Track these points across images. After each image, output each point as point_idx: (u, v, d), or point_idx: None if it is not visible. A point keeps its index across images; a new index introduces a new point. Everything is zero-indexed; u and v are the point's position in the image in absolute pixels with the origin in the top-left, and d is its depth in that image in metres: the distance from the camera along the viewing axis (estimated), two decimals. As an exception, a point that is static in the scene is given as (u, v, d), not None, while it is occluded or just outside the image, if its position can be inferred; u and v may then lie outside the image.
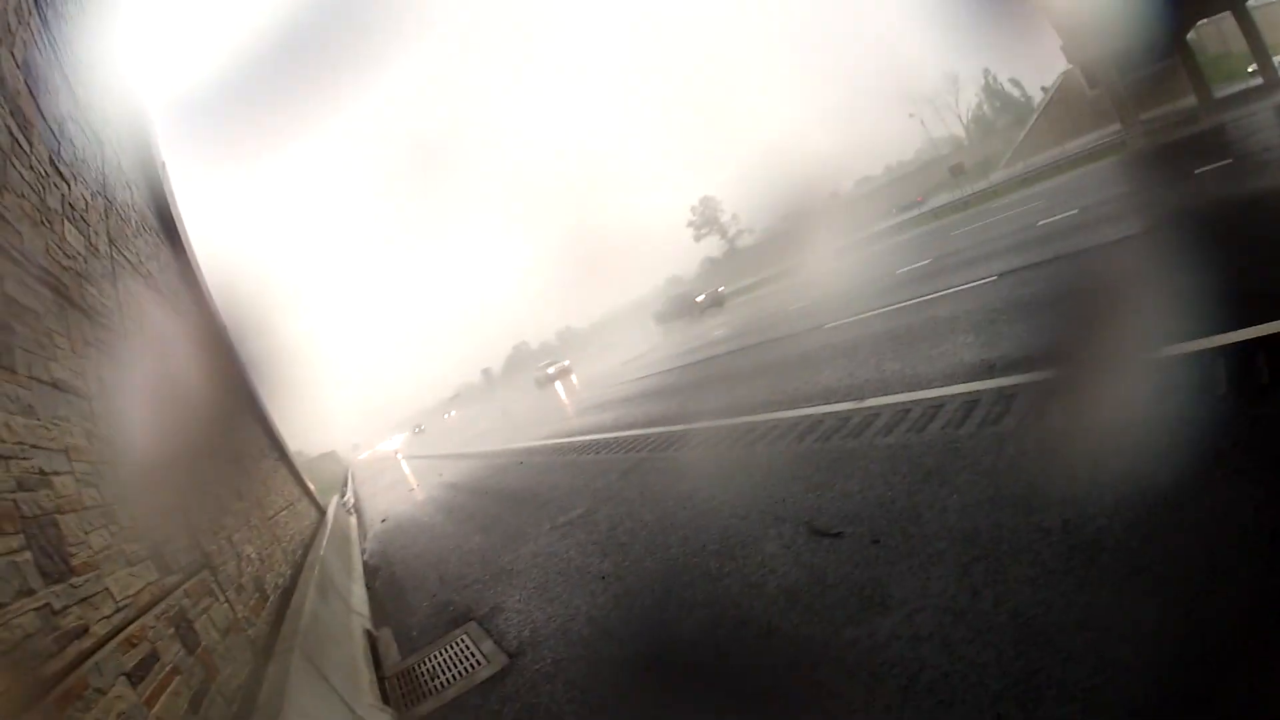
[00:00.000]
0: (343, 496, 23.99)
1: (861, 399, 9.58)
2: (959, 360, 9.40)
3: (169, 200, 11.56)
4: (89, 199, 6.71)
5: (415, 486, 27.76)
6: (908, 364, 10.49)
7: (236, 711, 5.12)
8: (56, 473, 4.21)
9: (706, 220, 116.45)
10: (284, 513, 12.56)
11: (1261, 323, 6.07)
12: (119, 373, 6.36)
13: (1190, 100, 38.85)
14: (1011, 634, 3.83)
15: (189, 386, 9.81)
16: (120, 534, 4.80)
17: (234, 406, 13.59)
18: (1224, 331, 6.23)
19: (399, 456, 47.31)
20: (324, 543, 11.15)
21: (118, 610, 4.19)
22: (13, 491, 3.59)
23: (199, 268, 14.41)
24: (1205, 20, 44.57)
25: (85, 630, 3.70)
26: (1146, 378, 6.16)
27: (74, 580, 3.82)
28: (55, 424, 4.55)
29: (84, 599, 3.84)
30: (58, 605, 3.53)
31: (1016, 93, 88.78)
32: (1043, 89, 69.64)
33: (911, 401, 8.49)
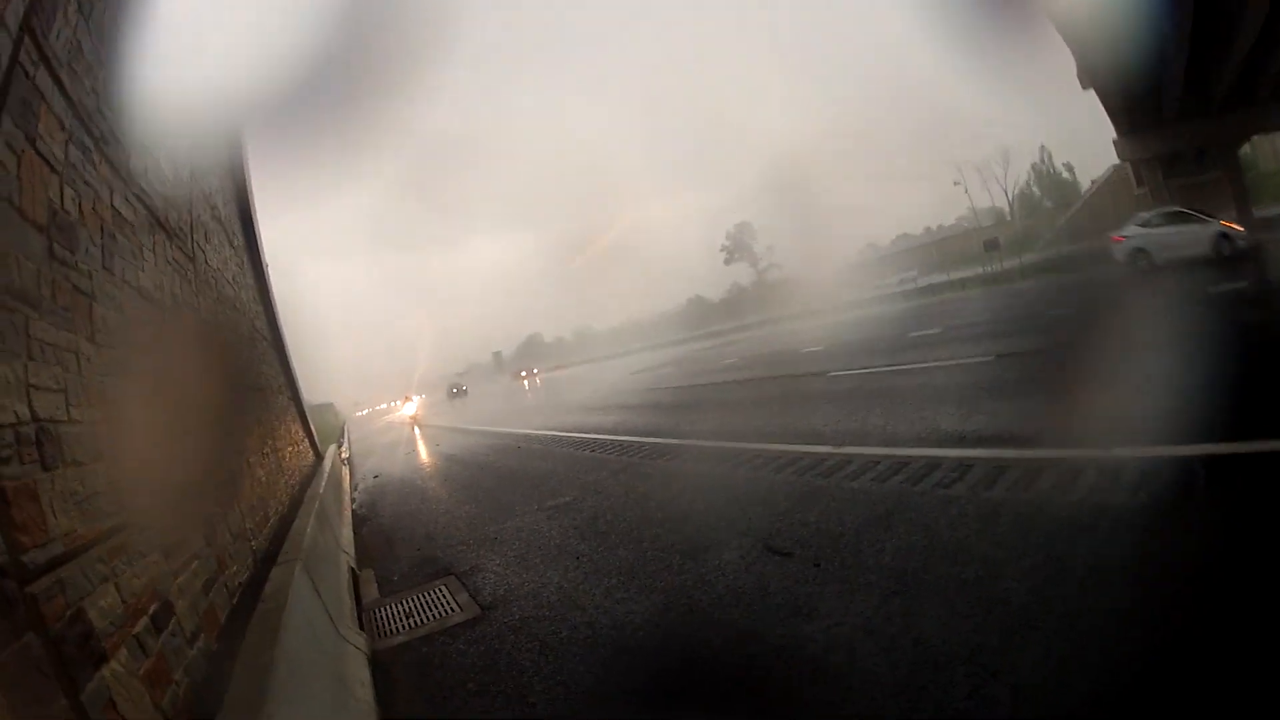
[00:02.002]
0: (339, 447, 24.32)
1: (840, 445, 10.33)
2: (934, 427, 10.11)
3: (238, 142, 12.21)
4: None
5: (412, 452, 27.74)
6: (889, 422, 11.24)
7: (238, 602, 5.81)
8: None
9: (739, 246, 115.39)
10: (289, 449, 13.18)
11: (1206, 442, 6.69)
12: (185, 289, 7.14)
13: (1230, 215, 39.00)
14: (910, 655, 4.60)
15: (235, 310, 10.56)
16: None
17: (264, 337, 14.21)
18: (1174, 444, 6.86)
19: (414, 427, 41.97)
20: (322, 483, 11.71)
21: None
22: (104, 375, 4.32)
23: (254, 205, 15.17)
24: (1262, 136, 44.70)
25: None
26: (1090, 472, 6.82)
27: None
28: (139, 324, 5.33)
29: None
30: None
31: (1067, 176, 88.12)
32: (1091, 181, 69.10)
33: (882, 455, 9.28)
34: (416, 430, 36.10)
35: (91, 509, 3.66)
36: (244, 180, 14.32)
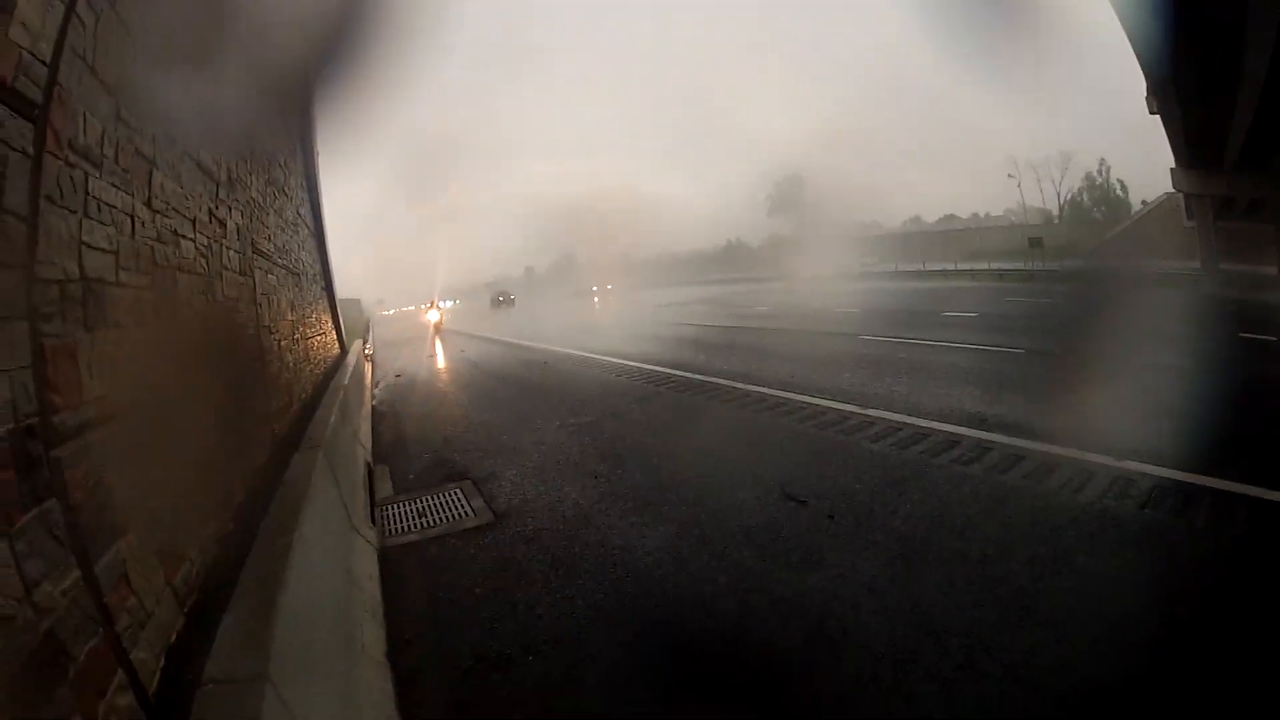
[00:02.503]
0: (364, 343, 24.34)
1: (865, 406, 10.43)
2: (959, 406, 10.16)
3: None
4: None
5: (435, 356, 27.66)
6: (915, 393, 11.27)
7: (258, 484, 5.87)
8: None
9: (786, 197, 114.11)
10: (317, 339, 13.25)
11: (1214, 476, 6.78)
12: (239, 167, 7.19)
13: (1271, 269, 38.60)
14: (907, 617, 4.73)
15: (283, 194, 10.58)
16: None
17: (306, 223, 14.23)
18: (1177, 469, 6.99)
19: (436, 336, 38.85)
20: (347, 376, 11.76)
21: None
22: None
23: (314, 88, 15.16)
24: None
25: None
26: (1101, 479, 6.93)
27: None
28: (194, 196, 5.39)
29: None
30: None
31: (1120, 193, 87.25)
32: (1143, 201, 68.40)
33: (905, 423, 9.38)
34: (438, 342, 34.29)
35: (126, 375, 3.67)
36: (311, 62, 14.28)
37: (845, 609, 4.93)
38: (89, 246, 3.35)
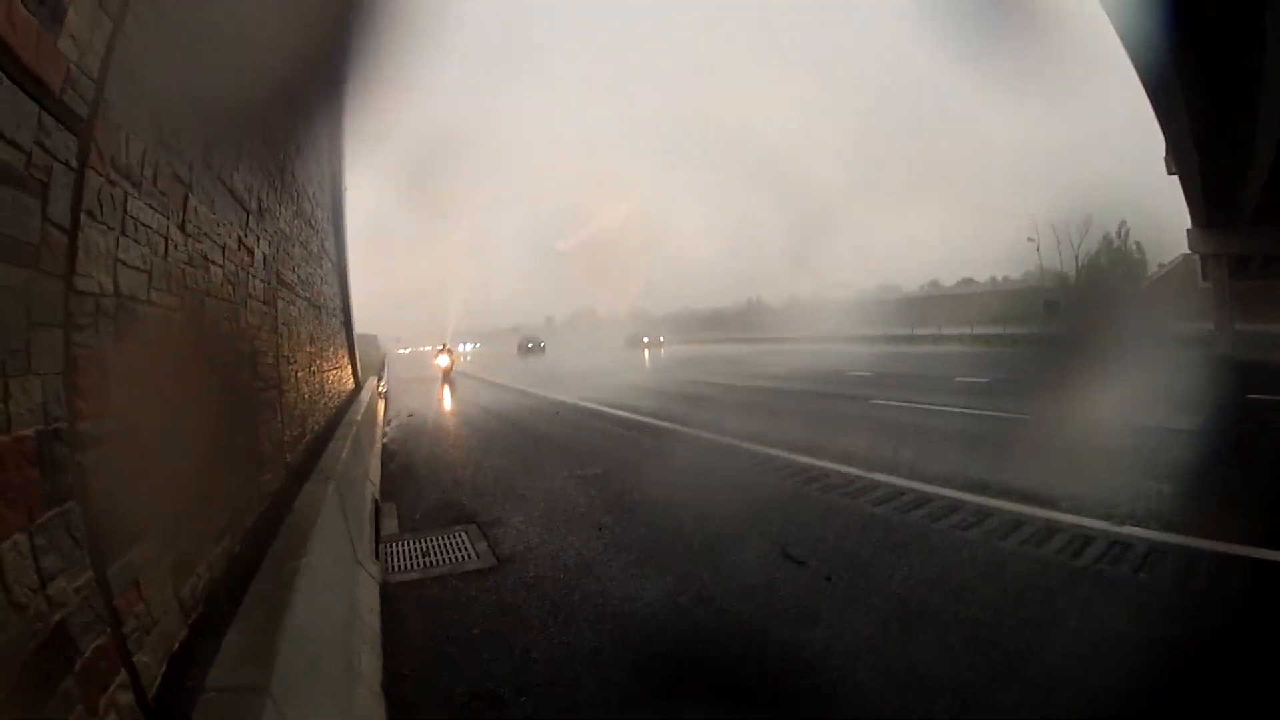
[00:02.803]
0: (378, 380, 24.52)
1: (870, 470, 10.49)
2: (962, 472, 10.19)
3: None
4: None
5: (448, 399, 27.75)
6: (920, 458, 11.33)
7: (268, 510, 5.98)
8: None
9: (806, 261, 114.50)
10: (333, 372, 13.40)
11: (1215, 539, 6.85)
12: (269, 196, 7.33)
13: None
14: (900, 675, 4.78)
15: (310, 225, 10.74)
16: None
17: (329, 257, 14.40)
18: (1175, 533, 7.12)
19: (444, 385, 36.45)
20: (360, 412, 11.88)
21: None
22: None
23: (345, 122, 15.38)
24: None
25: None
26: (1099, 543, 6.99)
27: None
28: (226, 223, 5.53)
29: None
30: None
31: (1137, 255, 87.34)
32: (1160, 264, 68.50)
33: (909, 487, 9.44)
34: (448, 389, 33.38)
35: (150, 391, 3.78)
36: (341, 96, 14.48)
37: (839, 664, 4.98)
38: (124, 264, 3.46)
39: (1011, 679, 4.66)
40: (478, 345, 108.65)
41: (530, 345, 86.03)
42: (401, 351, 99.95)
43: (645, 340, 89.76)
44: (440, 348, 48.16)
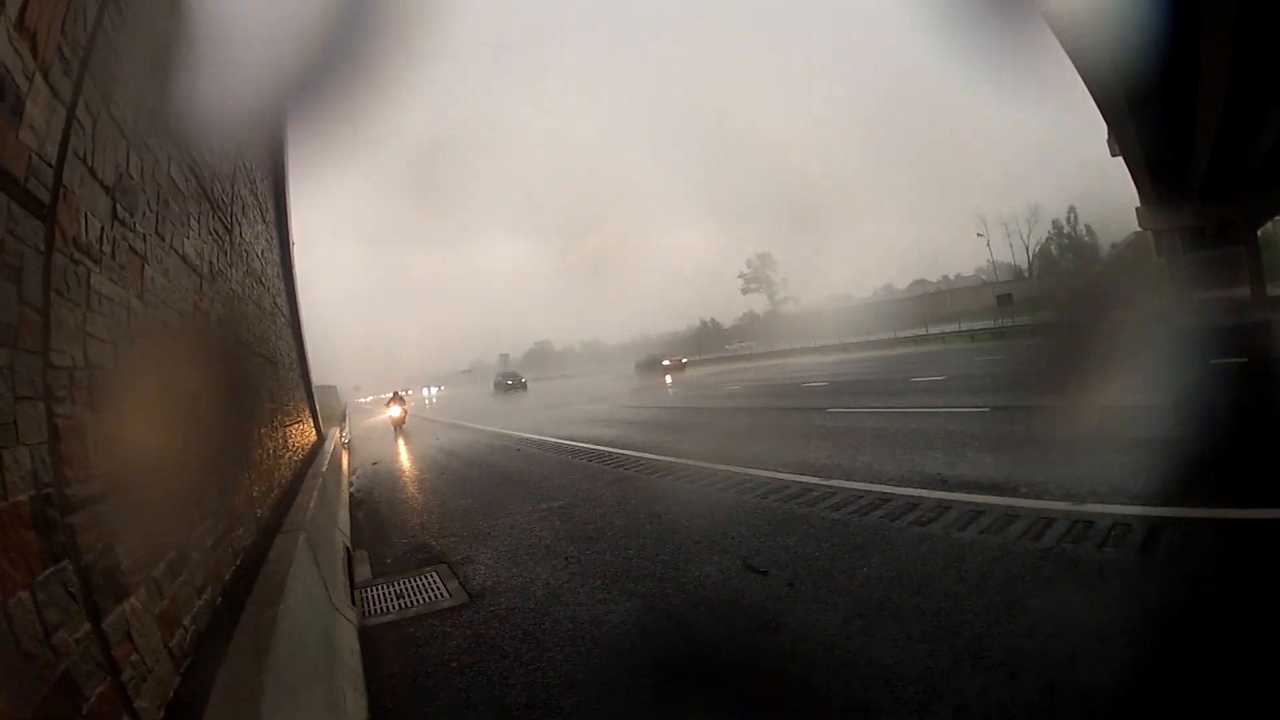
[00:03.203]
0: (340, 431, 24.51)
1: (828, 478, 10.72)
2: (919, 469, 10.46)
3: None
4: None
5: (411, 444, 27.70)
6: (877, 460, 11.60)
7: (241, 563, 6.13)
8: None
9: (758, 276, 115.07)
10: (295, 426, 13.46)
11: (1169, 505, 7.17)
12: (220, 259, 7.49)
13: (1244, 291, 39.12)
14: (863, 672, 4.94)
15: (260, 283, 10.88)
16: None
17: (283, 312, 14.50)
18: (1139, 504, 7.33)
19: (397, 436, 33.63)
20: (325, 463, 11.98)
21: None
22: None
23: (288, 182, 15.54)
24: None
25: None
26: (1060, 524, 7.17)
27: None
28: (181, 289, 5.70)
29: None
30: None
31: (1088, 239, 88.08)
32: (1112, 245, 69.01)
33: (866, 490, 9.66)
34: (402, 442, 30.23)
35: (126, 455, 3.94)
36: (282, 157, 14.67)
37: (802, 668, 5.14)
38: (91, 336, 3.62)
39: (976, 664, 4.79)
40: (442, 388, 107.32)
41: (510, 383, 78.01)
42: (362, 401, 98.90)
43: (667, 364, 76.62)
44: (390, 396, 41.44)
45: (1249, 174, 33.59)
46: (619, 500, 11.73)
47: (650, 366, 72.74)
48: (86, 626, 3.05)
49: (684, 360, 78.58)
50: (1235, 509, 6.73)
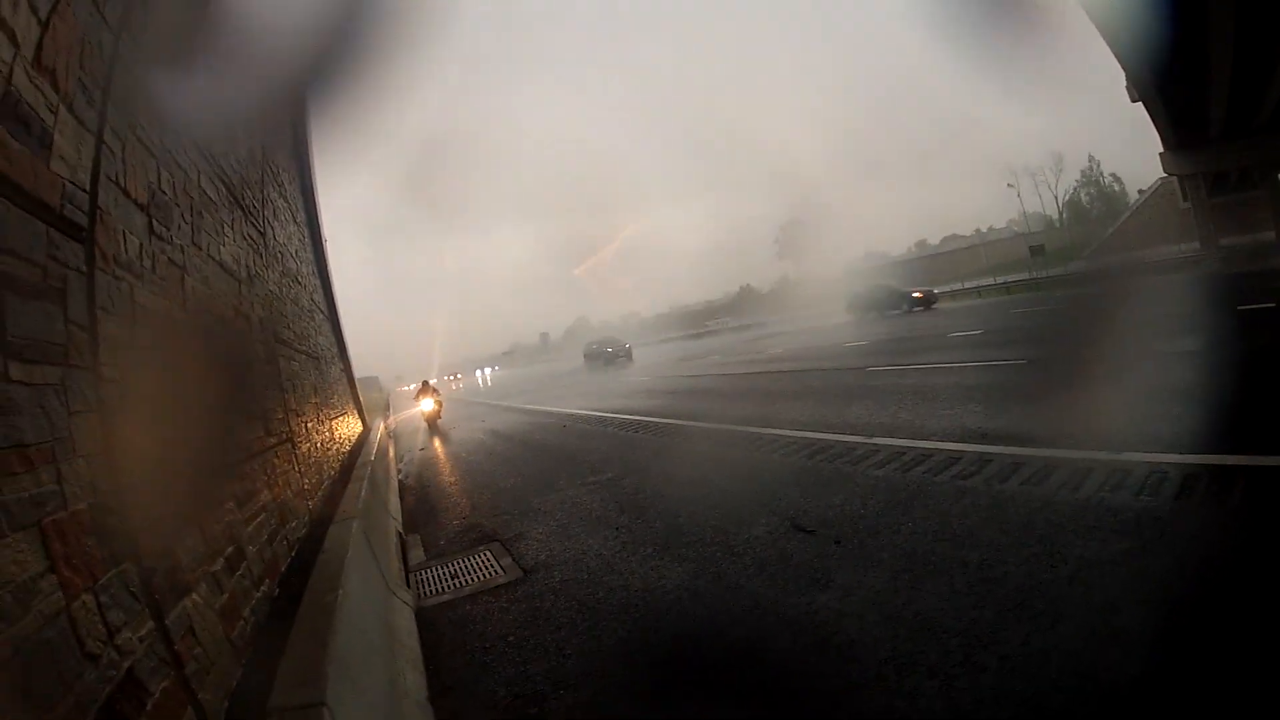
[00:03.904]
0: (385, 419, 24.62)
1: (870, 436, 10.78)
2: (960, 424, 10.49)
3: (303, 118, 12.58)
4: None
5: (456, 429, 27.84)
6: (918, 416, 11.63)
7: (295, 555, 6.25)
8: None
9: (790, 241, 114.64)
10: (340, 418, 13.61)
11: (1204, 453, 7.15)
12: (256, 262, 7.61)
13: (1270, 235, 38.70)
14: (910, 624, 5.03)
15: (297, 282, 11.00)
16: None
17: (320, 309, 14.64)
18: (1175, 452, 7.30)
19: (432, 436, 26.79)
20: (372, 452, 12.11)
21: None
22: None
23: (315, 180, 15.67)
24: None
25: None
26: (1099, 473, 7.20)
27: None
28: (221, 295, 5.82)
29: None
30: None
31: (1115, 187, 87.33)
32: (1140, 191, 68.44)
33: (908, 447, 9.71)
34: (438, 441, 24.75)
35: (177, 458, 4.05)
36: (307, 157, 14.79)
37: (851, 622, 5.23)
38: (139, 348, 3.72)
39: (1019, 614, 4.85)
40: (496, 368, 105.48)
41: (611, 351, 60.69)
42: (404, 389, 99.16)
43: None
44: (419, 387, 33.26)
45: (1267, 118, 33.14)
46: (665, 471, 11.84)
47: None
48: (150, 624, 3.17)
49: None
50: (1268, 456, 6.70)
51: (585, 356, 62.39)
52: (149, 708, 2.93)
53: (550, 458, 15.58)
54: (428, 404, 30.88)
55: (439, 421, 29.90)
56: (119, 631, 2.90)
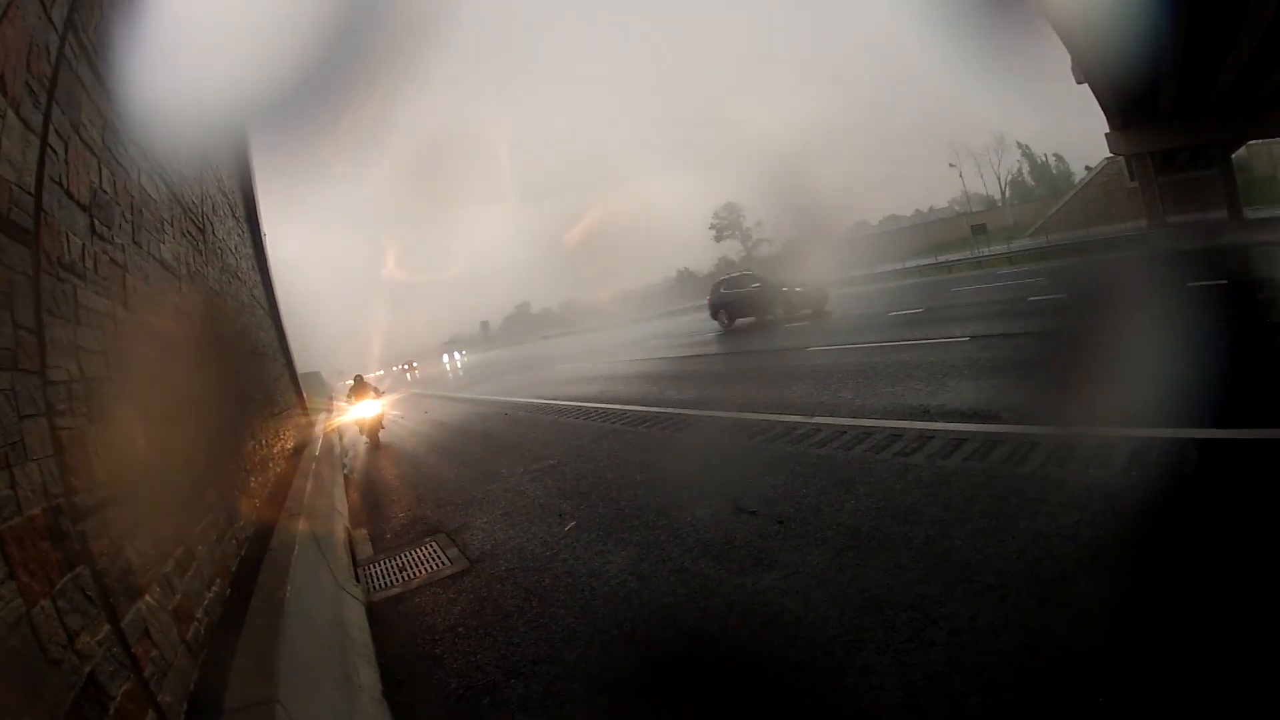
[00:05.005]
0: (329, 415, 24.44)
1: (811, 415, 10.88)
2: (903, 401, 10.61)
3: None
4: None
5: (402, 418, 28.01)
6: (860, 395, 11.76)
7: (245, 554, 6.27)
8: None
9: (729, 224, 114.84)
10: (284, 414, 13.56)
11: (1151, 427, 7.19)
12: (196, 259, 7.59)
13: (1221, 214, 39.14)
14: (856, 600, 5.11)
15: (237, 278, 10.95)
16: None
17: (261, 304, 14.56)
18: (1122, 427, 7.33)
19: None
20: (317, 447, 12.11)
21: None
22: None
23: (255, 175, 15.58)
24: (1259, 141, 44.68)
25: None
26: (1045, 447, 7.34)
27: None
28: (162, 293, 5.82)
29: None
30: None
31: (1058, 167, 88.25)
32: (1087, 168, 68.98)
33: (849, 425, 9.81)
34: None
35: (128, 459, 4.09)
36: (246, 153, 14.68)
37: (797, 601, 5.29)
38: (84, 350, 3.75)
39: (967, 589, 4.92)
40: (464, 354, 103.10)
41: (757, 285, 38.62)
42: (348, 383, 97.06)
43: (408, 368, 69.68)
44: (354, 384, 23.48)
45: (1220, 99, 33.45)
46: (608, 454, 11.92)
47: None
48: (107, 628, 3.20)
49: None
50: (1216, 429, 6.83)
51: (718, 307, 40.33)
52: (111, 712, 2.96)
53: (493, 447, 15.64)
54: (368, 409, 21.56)
55: (381, 435, 21.57)
56: (78, 635, 2.93)
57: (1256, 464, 6.10)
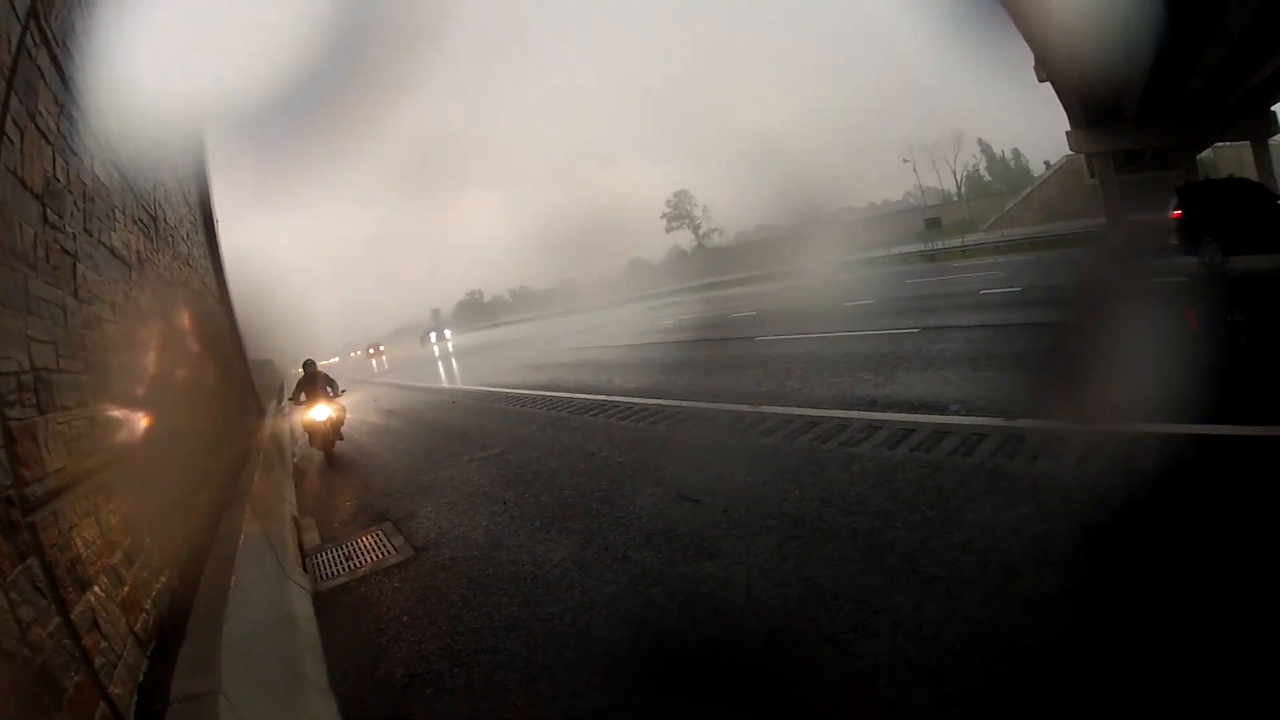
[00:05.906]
0: (279, 403, 24.24)
1: (758, 405, 10.95)
2: (850, 391, 10.73)
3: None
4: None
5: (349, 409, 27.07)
6: (808, 385, 11.91)
7: (197, 542, 6.25)
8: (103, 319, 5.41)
9: (679, 214, 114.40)
10: (234, 402, 13.45)
11: (1103, 421, 7.23)
12: (147, 246, 7.56)
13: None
14: (799, 591, 5.17)
15: (188, 265, 10.91)
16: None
17: (212, 291, 14.48)
18: (1071, 421, 7.38)
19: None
20: (265, 437, 12.07)
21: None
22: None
23: (208, 162, 15.49)
24: (1224, 144, 44.85)
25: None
26: (993, 439, 7.42)
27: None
28: (112, 281, 5.81)
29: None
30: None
31: (1016, 163, 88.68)
32: (1046, 163, 69.17)
33: (796, 414, 9.89)
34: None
35: (76, 450, 4.11)
36: (199, 138, 14.57)
37: (739, 591, 5.37)
38: (34, 340, 3.77)
39: (911, 580, 4.99)
40: (449, 334, 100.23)
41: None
42: (298, 372, 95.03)
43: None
44: (300, 379, 16.75)
45: (1189, 102, 33.51)
46: (553, 442, 12.00)
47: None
48: (57, 619, 3.22)
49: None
50: (1170, 424, 6.85)
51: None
52: (64, 704, 2.99)
53: (440, 435, 15.76)
54: (320, 413, 15.86)
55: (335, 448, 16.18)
56: (29, 628, 2.95)
57: (1209, 458, 6.18)
